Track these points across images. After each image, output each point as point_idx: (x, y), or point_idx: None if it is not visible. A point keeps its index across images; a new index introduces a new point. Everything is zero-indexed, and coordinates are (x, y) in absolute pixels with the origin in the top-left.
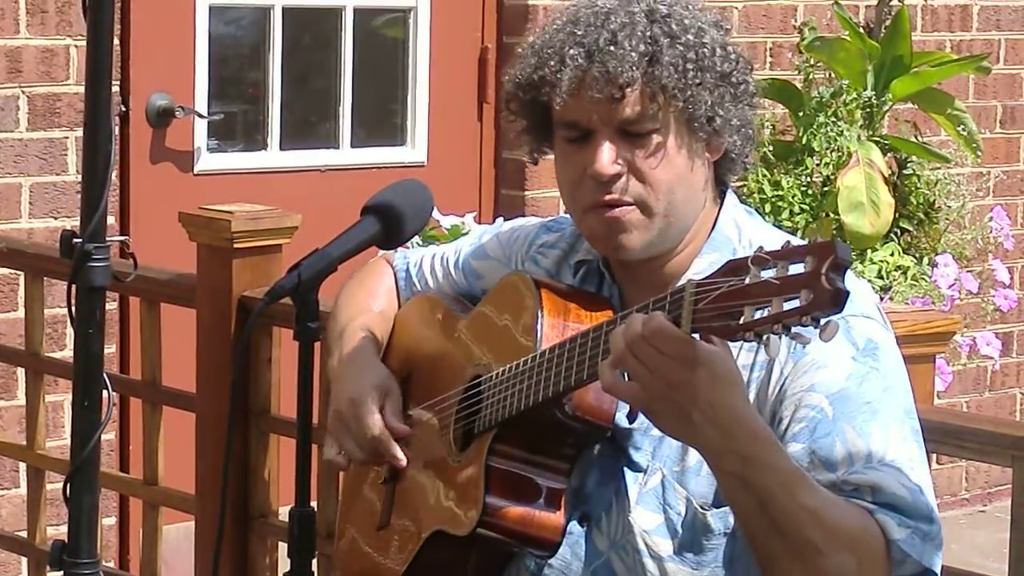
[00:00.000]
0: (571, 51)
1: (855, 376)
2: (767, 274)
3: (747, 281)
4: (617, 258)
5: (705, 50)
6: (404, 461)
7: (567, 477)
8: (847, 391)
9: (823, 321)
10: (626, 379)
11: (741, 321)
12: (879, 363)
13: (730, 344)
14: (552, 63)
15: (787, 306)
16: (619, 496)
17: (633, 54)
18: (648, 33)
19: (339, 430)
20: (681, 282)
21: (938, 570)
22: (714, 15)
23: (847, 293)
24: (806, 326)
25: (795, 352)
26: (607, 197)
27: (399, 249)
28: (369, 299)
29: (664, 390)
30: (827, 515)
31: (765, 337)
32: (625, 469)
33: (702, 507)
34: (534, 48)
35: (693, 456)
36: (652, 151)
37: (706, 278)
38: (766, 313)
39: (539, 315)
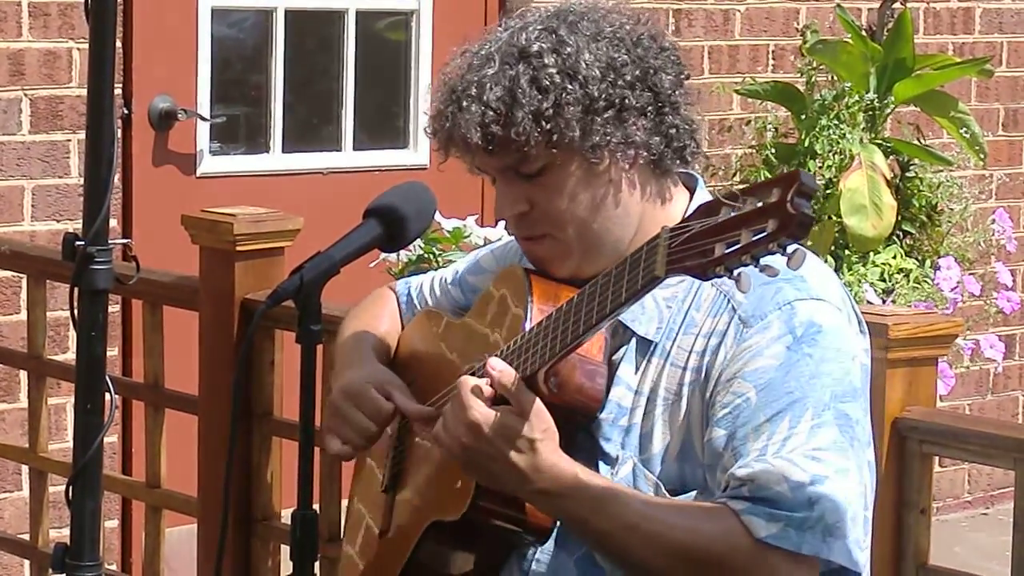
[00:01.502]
0: (446, 108)
1: (784, 365)
2: (737, 211)
3: (719, 219)
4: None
5: (574, 84)
6: (418, 410)
7: None
8: (773, 381)
9: (790, 249)
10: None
11: (713, 257)
12: (815, 348)
13: (689, 332)
14: (435, 119)
15: (755, 237)
16: None
17: (489, 112)
18: (511, 77)
19: (335, 422)
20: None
21: (835, 556)
22: (620, 19)
23: (812, 219)
24: (773, 253)
25: (739, 336)
26: (520, 233)
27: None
28: (373, 321)
29: (458, 449)
30: (655, 528)
31: (737, 272)
32: (600, 462)
33: (671, 492)
34: (435, 91)
35: (658, 443)
36: (549, 186)
37: (680, 222)
38: (736, 247)
39: (528, 299)
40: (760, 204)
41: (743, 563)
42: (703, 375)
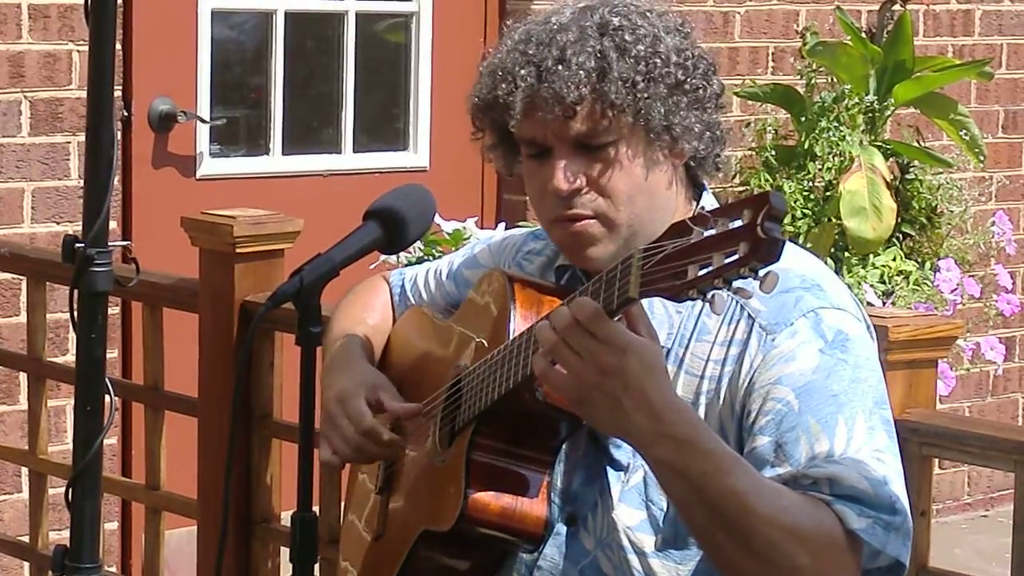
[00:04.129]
0: (521, 71)
1: (822, 368)
2: (709, 233)
3: (691, 240)
4: (585, 268)
5: (658, 60)
6: (395, 439)
7: (549, 469)
8: (813, 384)
9: (762, 272)
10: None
11: (686, 279)
12: (848, 355)
13: (702, 339)
14: (504, 85)
15: (727, 260)
16: (603, 495)
17: (580, 72)
18: (598, 48)
19: (328, 429)
20: None
21: (906, 561)
22: (675, 19)
23: (783, 242)
24: (745, 277)
25: (764, 344)
26: (568, 212)
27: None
28: (364, 313)
29: (596, 377)
30: (771, 502)
31: (710, 295)
32: (608, 468)
33: None
34: (490, 68)
35: None
36: (609, 163)
37: (652, 243)
38: (709, 270)
39: (511, 307)
40: (731, 227)
41: (831, 551)
42: (725, 384)
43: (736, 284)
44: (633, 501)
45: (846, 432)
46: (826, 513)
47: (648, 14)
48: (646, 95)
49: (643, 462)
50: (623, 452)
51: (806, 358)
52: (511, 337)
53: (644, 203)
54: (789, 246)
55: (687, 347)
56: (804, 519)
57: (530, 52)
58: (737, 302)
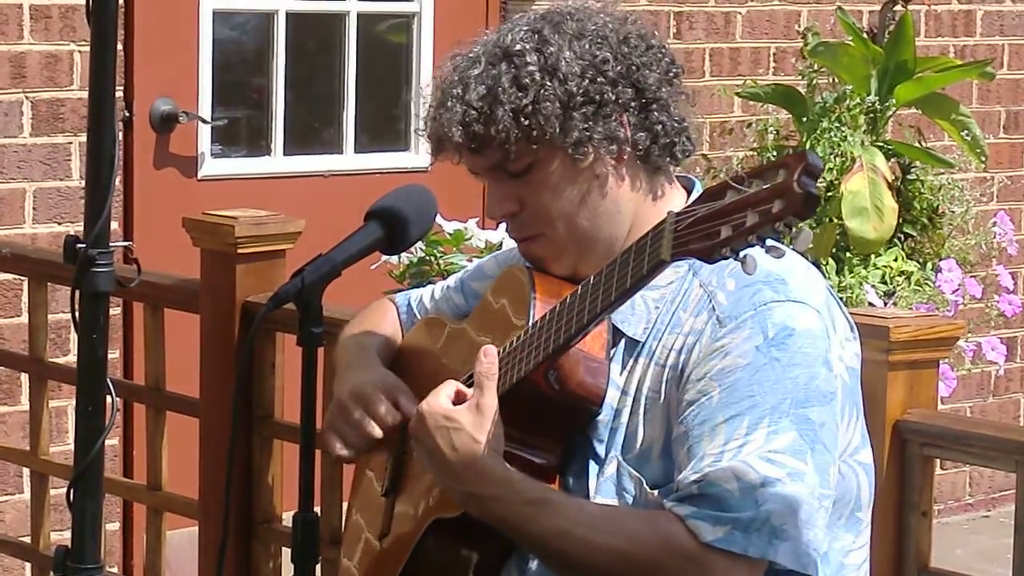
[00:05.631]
0: (433, 110)
1: (751, 367)
2: (743, 194)
3: (725, 202)
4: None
5: (555, 79)
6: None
7: (559, 459)
8: (738, 382)
9: (795, 229)
10: None
11: (719, 239)
12: (784, 352)
13: (673, 332)
14: (425, 122)
15: (761, 217)
16: (587, 489)
17: (471, 111)
18: (490, 82)
19: (340, 424)
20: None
21: (777, 558)
22: (603, 18)
23: (818, 198)
24: (780, 233)
25: (713, 335)
26: (514, 235)
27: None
28: (375, 327)
29: (412, 438)
30: (604, 532)
31: (742, 254)
32: (590, 461)
33: (652, 488)
34: (428, 95)
35: (642, 443)
36: (536, 184)
37: (687, 206)
38: (743, 228)
39: (531, 294)
40: (766, 186)
41: (680, 566)
42: (678, 372)
43: (769, 242)
44: (608, 492)
45: (743, 435)
46: (677, 529)
47: (567, 21)
48: (539, 118)
49: (617, 453)
50: (602, 445)
51: (740, 354)
52: (531, 322)
53: (586, 217)
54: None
55: (660, 340)
56: (651, 541)
57: (443, 86)
58: (707, 296)
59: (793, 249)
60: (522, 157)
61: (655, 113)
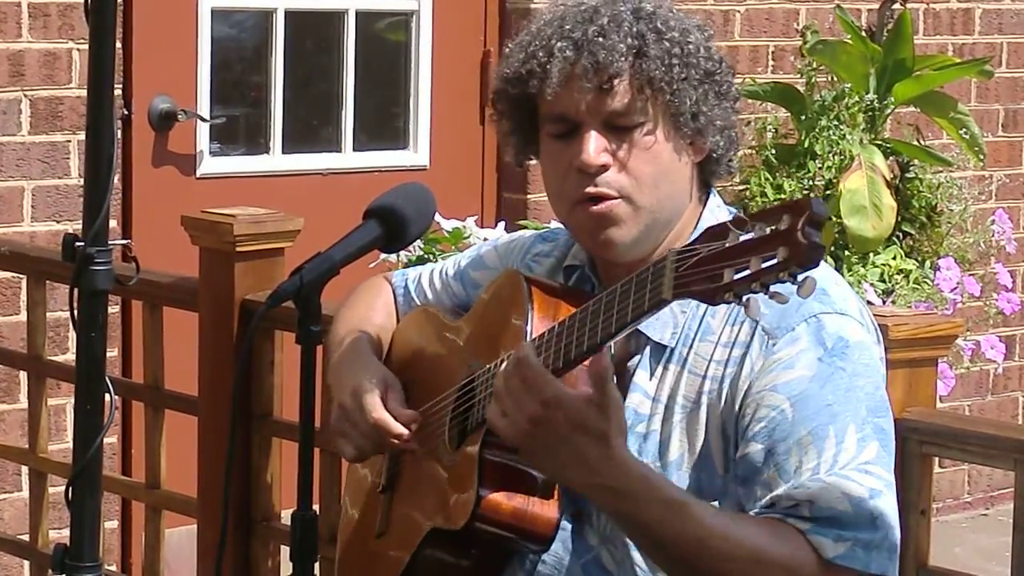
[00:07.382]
0: (559, 44)
1: (819, 378)
2: (747, 237)
3: (726, 244)
4: (603, 255)
5: (690, 47)
6: (406, 433)
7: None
8: (808, 393)
9: (800, 277)
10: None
11: (721, 283)
12: (846, 362)
13: (706, 340)
14: (541, 55)
15: (765, 264)
16: None
17: (621, 46)
18: (634, 28)
19: (345, 424)
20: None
21: (895, 572)
22: (696, 19)
23: (823, 248)
24: (784, 282)
25: (766, 349)
26: (593, 190)
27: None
28: (368, 313)
29: (527, 426)
30: (737, 543)
31: (745, 298)
32: None
33: None
34: (521, 44)
35: (675, 450)
36: (639, 144)
37: (687, 245)
38: (746, 274)
39: (529, 309)
40: (769, 231)
41: None
42: (727, 385)
43: (773, 288)
44: None
45: (835, 445)
46: (800, 544)
47: (673, 9)
48: (683, 76)
49: (649, 460)
50: (635, 452)
51: (804, 366)
52: (528, 335)
53: (667, 189)
54: None
55: (691, 347)
56: (776, 556)
57: (567, 28)
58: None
59: (798, 295)
60: (643, 112)
61: (734, 118)
